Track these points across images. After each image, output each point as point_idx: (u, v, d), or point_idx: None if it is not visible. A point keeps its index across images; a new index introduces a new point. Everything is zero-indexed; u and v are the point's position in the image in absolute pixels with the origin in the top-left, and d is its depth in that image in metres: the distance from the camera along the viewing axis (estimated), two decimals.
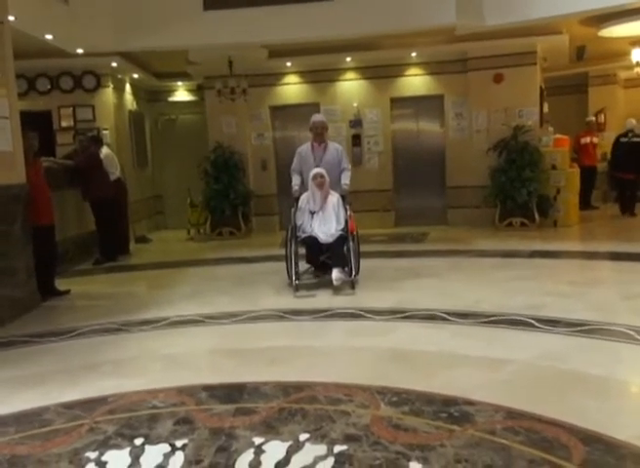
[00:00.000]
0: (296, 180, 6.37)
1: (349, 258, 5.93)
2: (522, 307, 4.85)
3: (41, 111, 9.40)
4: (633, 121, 10.76)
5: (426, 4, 7.73)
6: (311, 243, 6.03)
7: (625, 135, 10.58)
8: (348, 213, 6.11)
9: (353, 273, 5.89)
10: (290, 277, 5.99)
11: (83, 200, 7.97)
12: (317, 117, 6.64)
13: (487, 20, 7.95)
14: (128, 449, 2.80)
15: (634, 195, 10.55)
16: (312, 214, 6.06)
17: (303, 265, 6.28)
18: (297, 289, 5.75)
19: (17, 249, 5.58)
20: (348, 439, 2.77)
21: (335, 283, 5.70)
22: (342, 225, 6.01)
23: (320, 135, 6.41)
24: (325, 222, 6.01)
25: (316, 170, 6.11)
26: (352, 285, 5.79)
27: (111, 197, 7.98)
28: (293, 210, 6.20)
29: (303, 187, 6.30)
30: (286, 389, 3.42)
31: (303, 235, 6.04)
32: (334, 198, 6.13)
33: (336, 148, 6.44)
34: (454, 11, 7.63)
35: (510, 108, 9.59)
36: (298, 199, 6.23)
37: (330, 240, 5.92)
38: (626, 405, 3.26)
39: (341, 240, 5.94)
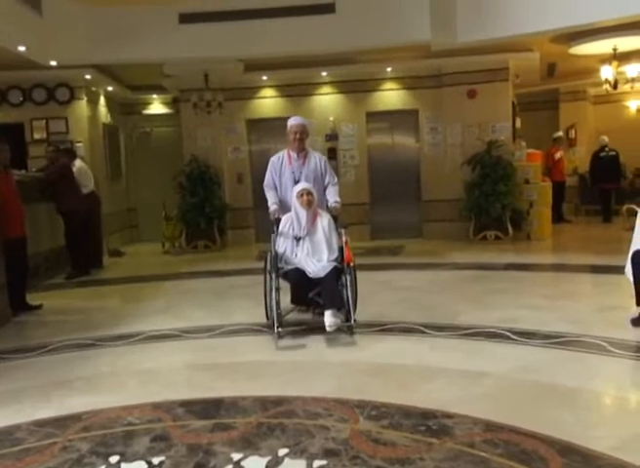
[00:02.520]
0: (273, 198, 5.19)
1: (346, 296, 4.70)
2: (498, 320, 4.89)
3: (13, 123, 9.28)
4: (605, 138, 11.65)
5: (401, 21, 7.82)
6: (297, 277, 4.76)
7: (602, 150, 11.54)
8: (343, 238, 4.93)
9: (352, 316, 4.67)
10: (270, 321, 4.85)
11: (57, 213, 7.85)
12: (296, 119, 5.31)
13: (460, 38, 8.08)
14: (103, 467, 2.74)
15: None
16: (297, 240, 4.89)
17: (286, 302, 5.06)
18: (279, 336, 4.62)
19: None
20: (328, 453, 2.75)
21: (328, 329, 4.45)
22: (336, 254, 4.84)
23: (300, 141, 5.18)
24: (314, 251, 4.84)
25: (301, 185, 4.97)
26: (351, 330, 4.67)
27: (83, 209, 7.86)
28: (272, 236, 4.98)
29: (280, 206, 5.16)
30: (264, 404, 3.38)
31: (287, 267, 4.82)
32: (324, 220, 4.95)
33: (319, 158, 5.29)
34: (428, 28, 7.74)
35: (484, 123, 9.74)
36: (278, 221, 5.04)
37: (321, 274, 4.67)
38: (602, 416, 3.30)
39: (335, 273, 4.72)
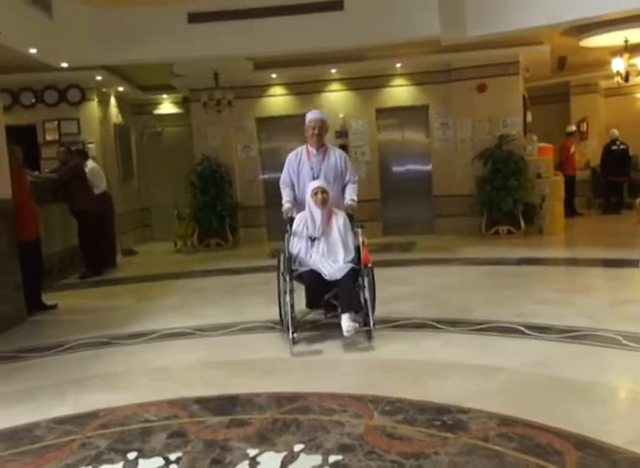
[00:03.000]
0: (287, 196, 4.96)
1: (363, 299, 4.53)
2: (512, 315, 4.88)
3: (25, 125, 9.34)
4: (616, 131, 11.72)
5: (410, 16, 7.79)
6: (312, 279, 4.56)
7: (613, 143, 11.65)
8: (360, 238, 4.73)
9: (370, 319, 4.47)
10: (284, 326, 4.65)
11: (70, 213, 7.91)
12: (314, 114, 5.05)
13: (469, 32, 8.04)
14: (121, 464, 2.77)
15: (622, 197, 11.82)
16: (312, 240, 4.65)
17: (302, 306, 4.88)
18: (294, 341, 4.42)
19: (3, 263, 5.53)
20: (343, 449, 2.77)
21: (346, 334, 4.26)
22: (352, 255, 4.63)
23: (318, 137, 4.93)
24: (330, 252, 4.62)
25: (316, 182, 4.74)
26: (369, 334, 4.46)
27: (96, 210, 7.92)
28: (286, 235, 4.77)
29: (297, 204, 4.93)
30: (279, 400, 3.41)
31: (301, 269, 4.60)
32: (339, 219, 4.72)
33: (339, 155, 5.03)
34: (437, 23, 7.71)
35: (494, 118, 9.69)
36: (291, 220, 4.82)
37: (337, 275, 4.46)
38: (617, 410, 3.30)
39: (352, 275, 4.50)
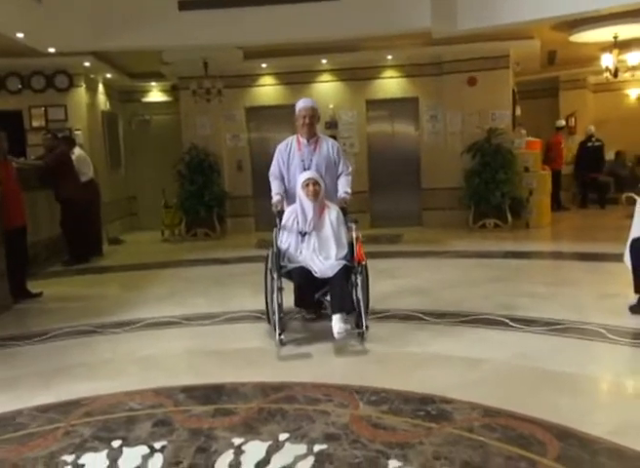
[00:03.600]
0: (277, 189, 4.71)
1: (356, 299, 4.28)
2: (498, 307, 4.91)
3: (12, 111, 9.25)
4: (592, 128, 11.99)
5: (402, 9, 7.76)
6: (302, 277, 4.28)
7: (589, 140, 11.83)
8: (354, 234, 4.43)
9: (363, 321, 4.19)
10: (272, 325, 4.40)
11: (56, 200, 7.84)
12: (305, 102, 4.80)
13: (460, 25, 8.03)
14: (105, 452, 2.77)
15: (604, 193, 11.92)
16: (302, 235, 4.40)
17: (290, 304, 4.66)
18: (281, 343, 4.18)
19: None
20: (328, 438, 2.78)
21: (337, 336, 4.00)
22: (345, 251, 4.38)
23: (310, 126, 4.68)
24: (321, 248, 4.37)
25: (307, 174, 4.49)
26: (362, 337, 4.20)
27: (82, 197, 7.85)
28: (274, 230, 4.51)
29: (288, 197, 4.69)
30: (265, 389, 3.41)
31: (290, 265, 4.34)
32: (332, 213, 4.47)
33: (331, 145, 4.79)
34: (429, 15, 7.70)
35: (484, 111, 9.71)
36: (281, 213, 4.57)
37: (329, 273, 4.19)
38: (599, 402, 3.34)
39: (345, 272, 4.23)
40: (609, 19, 8.18)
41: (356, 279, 4.32)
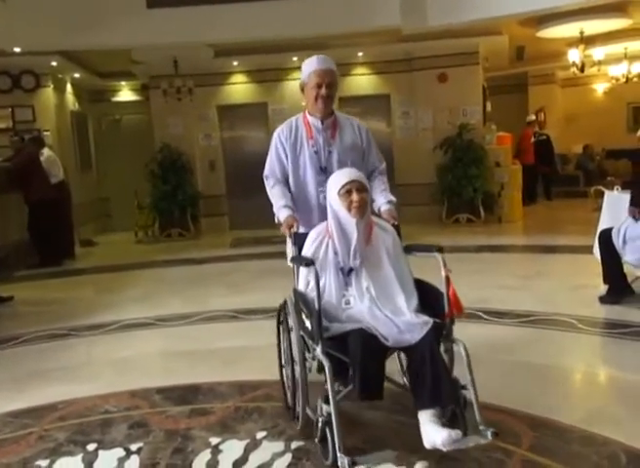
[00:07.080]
0: (282, 198, 3.09)
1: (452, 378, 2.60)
2: (471, 300, 4.91)
3: None
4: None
5: (371, 5, 7.80)
6: (365, 347, 2.46)
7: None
8: (443, 272, 2.86)
9: (477, 417, 2.46)
10: (300, 424, 2.79)
11: (25, 203, 7.71)
12: (321, 62, 3.05)
13: (430, 21, 8.10)
14: (80, 456, 2.74)
15: (549, 185, 12.43)
16: (348, 272, 2.78)
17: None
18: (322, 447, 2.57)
19: None
20: (305, 435, 2.78)
21: (443, 449, 2.34)
22: (416, 300, 2.86)
23: (327, 100, 3.05)
24: (380, 295, 2.77)
25: (345, 174, 2.82)
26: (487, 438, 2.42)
27: (51, 199, 7.73)
28: (291, 265, 2.93)
29: (300, 209, 3.11)
30: (241, 388, 3.41)
31: (337, 327, 2.62)
32: (386, 236, 2.91)
33: (357, 127, 3.19)
34: (398, 12, 7.75)
35: (455, 107, 9.81)
36: (297, 239, 2.94)
37: (410, 339, 2.56)
38: (571, 391, 3.40)
39: (435, 336, 2.60)
40: (574, 14, 8.31)
41: (452, 347, 2.74)
